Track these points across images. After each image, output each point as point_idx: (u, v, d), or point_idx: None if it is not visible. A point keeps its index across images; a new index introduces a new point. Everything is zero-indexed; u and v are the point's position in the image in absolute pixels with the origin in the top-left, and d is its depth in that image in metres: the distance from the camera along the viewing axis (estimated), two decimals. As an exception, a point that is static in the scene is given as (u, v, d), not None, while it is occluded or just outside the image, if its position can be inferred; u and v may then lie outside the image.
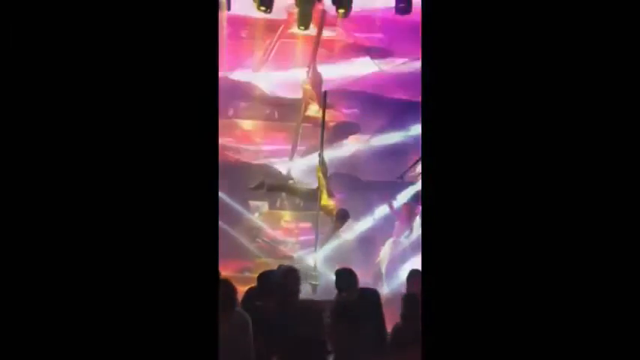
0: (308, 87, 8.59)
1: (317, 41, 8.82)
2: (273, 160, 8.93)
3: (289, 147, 8.94)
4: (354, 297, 4.66)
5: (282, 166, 8.79)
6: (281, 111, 9.02)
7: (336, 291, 4.87)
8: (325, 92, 8.07)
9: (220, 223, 3.24)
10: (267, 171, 8.67)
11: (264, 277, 4.76)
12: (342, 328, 4.00)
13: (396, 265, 7.55)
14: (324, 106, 7.96)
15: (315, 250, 7.53)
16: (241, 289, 4.74)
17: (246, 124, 9.04)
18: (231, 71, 8.84)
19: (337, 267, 5.18)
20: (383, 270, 7.77)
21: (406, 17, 8.34)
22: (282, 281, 4.61)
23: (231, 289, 4.11)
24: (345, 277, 4.84)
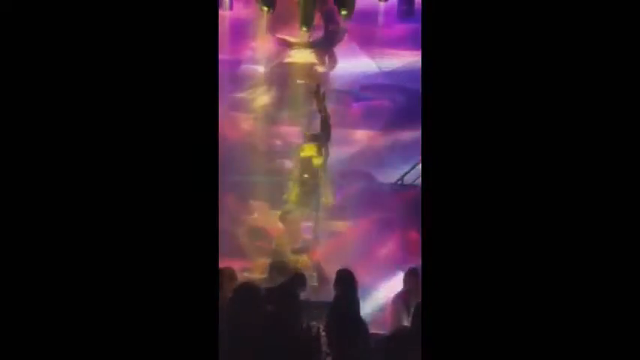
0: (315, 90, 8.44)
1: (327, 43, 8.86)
2: (274, 156, 8.94)
3: (290, 145, 8.94)
4: (353, 298, 4.67)
5: (285, 163, 8.81)
6: (284, 108, 9.04)
7: (334, 292, 4.87)
8: (318, 85, 8.05)
9: (220, 222, 3.23)
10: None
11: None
12: (341, 329, 3.99)
13: (395, 264, 7.55)
14: (324, 104, 7.93)
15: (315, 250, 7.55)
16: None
17: (249, 122, 9.04)
18: (235, 68, 8.86)
19: (336, 268, 5.18)
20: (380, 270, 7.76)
21: (408, 19, 8.38)
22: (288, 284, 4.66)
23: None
24: (344, 278, 4.84)
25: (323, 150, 7.97)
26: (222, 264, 3.69)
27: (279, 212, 8.20)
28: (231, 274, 4.82)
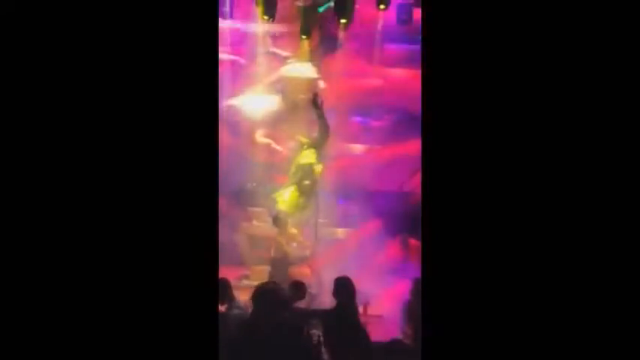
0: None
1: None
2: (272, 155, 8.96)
3: (289, 153, 8.96)
4: (352, 306, 4.66)
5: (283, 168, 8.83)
6: (283, 116, 9.08)
7: (334, 300, 4.86)
8: (316, 94, 8.01)
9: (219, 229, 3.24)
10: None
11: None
12: (341, 336, 3.99)
13: (394, 272, 7.54)
14: (321, 111, 7.91)
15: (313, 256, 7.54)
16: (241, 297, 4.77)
17: (248, 130, 9.06)
18: (235, 75, 8.89)
19: (335, 275, 5.17)
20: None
21: (407, 28, 8.41)
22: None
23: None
24: (343, 286, 4.83)
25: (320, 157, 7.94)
26: (220, 271, 3.69)
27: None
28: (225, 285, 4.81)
